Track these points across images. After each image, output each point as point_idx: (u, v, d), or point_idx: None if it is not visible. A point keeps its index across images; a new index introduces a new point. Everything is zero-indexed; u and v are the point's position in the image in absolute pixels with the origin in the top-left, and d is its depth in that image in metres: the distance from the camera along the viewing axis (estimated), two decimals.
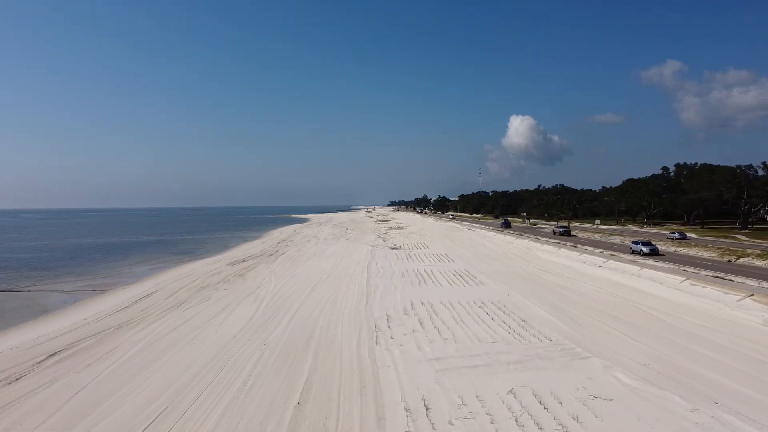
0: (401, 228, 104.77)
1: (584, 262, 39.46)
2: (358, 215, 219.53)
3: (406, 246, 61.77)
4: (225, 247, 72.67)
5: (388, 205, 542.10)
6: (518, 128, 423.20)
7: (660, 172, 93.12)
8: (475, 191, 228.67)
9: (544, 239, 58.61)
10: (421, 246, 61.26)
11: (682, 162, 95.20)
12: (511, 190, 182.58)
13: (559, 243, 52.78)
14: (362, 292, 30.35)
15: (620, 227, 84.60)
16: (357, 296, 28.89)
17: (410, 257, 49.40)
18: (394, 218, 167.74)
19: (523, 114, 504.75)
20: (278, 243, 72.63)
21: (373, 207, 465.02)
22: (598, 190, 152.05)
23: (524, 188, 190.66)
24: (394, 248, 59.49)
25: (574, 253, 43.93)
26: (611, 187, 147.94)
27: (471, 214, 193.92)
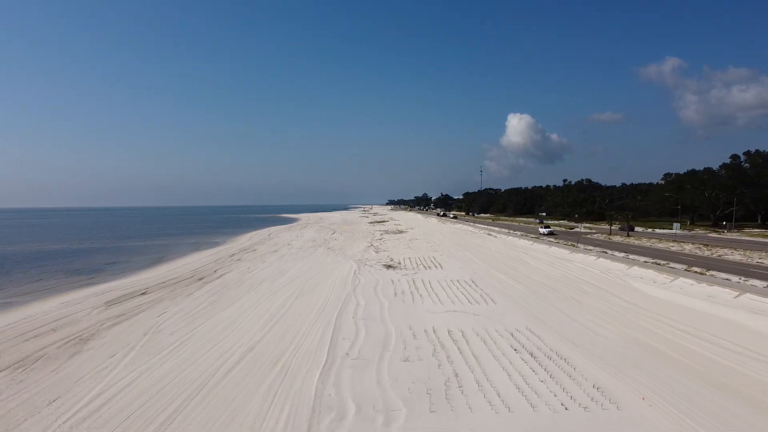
0: (400, 232, 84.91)
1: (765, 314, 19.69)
2: (353, 215, 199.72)
3: (408, 263, 41.97)
4: (159, 259, 52.85)
5: (387, 203, 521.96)
6: (516, 126, 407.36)
7: (729, 160, 73.29)
8: (475, 189, 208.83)
9: (620, 254, 38.79)
10: (429, 263, 41.47)
11: (754, 150, 75.32)
12: (523, 187, 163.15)
13: (656, 263, 33.00)
14: None
15: (686, 232, 64.98)
16: None
17: (416, 289, 29.66)
18: (392, 218, 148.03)
19: (522, 112, 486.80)
20: (231, 255, 52.79)
21: (370, 206, 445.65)
22: (618, 186, 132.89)
23: (521, 186, 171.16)
24: (390, 266, 39.77)
25: (718, 290, 24.12)
26: (631, 183, 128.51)
27: (478, 214, 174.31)
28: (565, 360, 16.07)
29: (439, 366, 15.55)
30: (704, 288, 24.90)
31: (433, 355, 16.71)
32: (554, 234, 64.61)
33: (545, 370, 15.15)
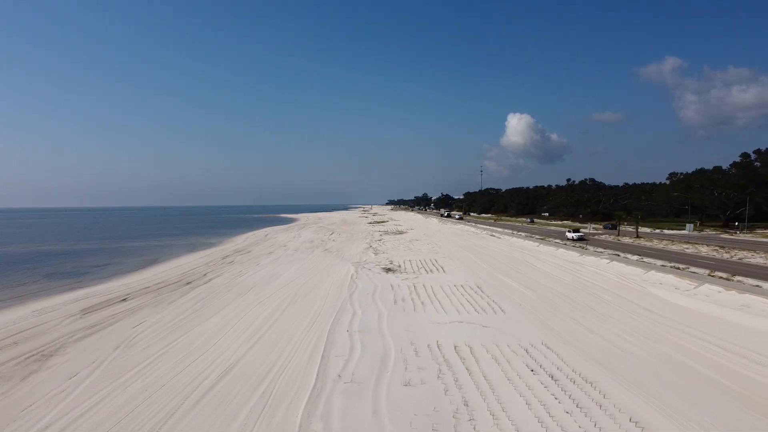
0: (400, 233, 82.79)
1: None
2: (353, 215, 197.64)
3: (408, 266, 39.82)
4: (151, 261, 50.74)
5: (387, 204, 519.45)
6: (516, 126, 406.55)
7: (736, 159, 71.04)
8: (476, 189, 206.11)
9: (634, 257, 36.60)
10: (431, 266, 39.32)
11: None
12: (525, 187, 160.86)
13: (675, 267, 30.74)
14: None
15: (697, 233, 62.78)
16: None
17: (417, 295, 27.50)
18: (391, 219, 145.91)
19: (522, 112, 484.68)
20: (224, 257, 50.66)
21: (370, 206, 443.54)
22: (621, 186, 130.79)
23: (521, 186, 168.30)
24: (389, 270, 37.65)
25: (751, 298, 21.92)
26: (634, 183, 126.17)
27: (478, 214, 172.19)
28: (591, 384, 13.90)
29: (445, 392, 13.39)
30: (734, 296, 22.72)
31: (438, 377, 14.55)
32: (585, 239, 53.38)
33: (570, 397, 12.98)
